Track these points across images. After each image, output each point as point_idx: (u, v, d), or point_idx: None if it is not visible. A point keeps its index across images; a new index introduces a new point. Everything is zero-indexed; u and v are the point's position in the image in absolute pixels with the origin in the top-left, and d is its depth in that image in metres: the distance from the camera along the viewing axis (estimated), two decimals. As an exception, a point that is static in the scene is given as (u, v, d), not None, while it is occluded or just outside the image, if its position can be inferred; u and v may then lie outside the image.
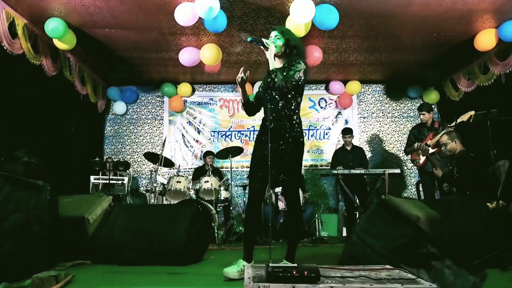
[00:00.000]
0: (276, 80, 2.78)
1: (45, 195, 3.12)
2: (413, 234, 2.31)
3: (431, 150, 5.12)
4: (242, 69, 2.99)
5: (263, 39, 2.88)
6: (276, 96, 2.87)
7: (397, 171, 5.49)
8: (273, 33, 2.96)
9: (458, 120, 4.31)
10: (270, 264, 1.56)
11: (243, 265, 2.72)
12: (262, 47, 2.89)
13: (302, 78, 2.84)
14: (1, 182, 2.57)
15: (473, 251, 2.71)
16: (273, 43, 2.87)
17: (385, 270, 1.78)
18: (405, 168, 7.22)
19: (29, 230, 2.82)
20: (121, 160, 6.29)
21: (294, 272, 1.52)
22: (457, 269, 2.09)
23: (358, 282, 1.54)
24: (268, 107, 2.88)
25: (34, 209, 2.93)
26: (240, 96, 3.11)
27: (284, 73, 2.77)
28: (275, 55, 2.91)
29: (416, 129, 5.67)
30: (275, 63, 2.89)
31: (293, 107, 2.88)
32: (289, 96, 2.85)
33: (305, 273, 1.52)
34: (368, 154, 7.02)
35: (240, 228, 5.82)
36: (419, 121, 5.81)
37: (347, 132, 6.34)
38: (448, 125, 4.95)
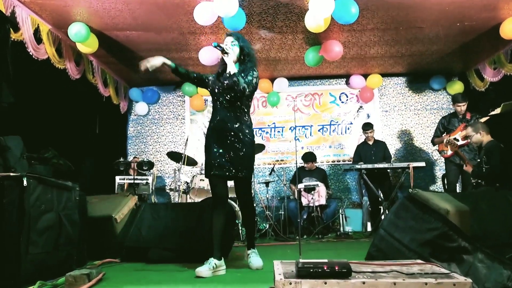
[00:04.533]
0: (239, 83, 2.91)
1: (75, 196, 3.20)
2: (442, 227, 2.27)
3: (460, 143, 5.02)
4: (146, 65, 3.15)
5: (222, 45, 3.00)
6: (232, 98, 3.03)
7: (422, 164, 5.43)
8: (229, 39, 3.10)
9: (491, 113, 4.19)
10: (301, 260, 1.56)
11: (215, 263, 2.92)
12: (221, 52, 3.01)
13: (257, 84, 3.10)
14: (34, 183, 2.64)
15: (506, 243, 2.65)
16: (232, 49, 3.04)
17: (417, 264, 1.76)
18: (431, 161, 7.08)
19: (60, 229, 2.90)
20: (145, 160, 6.38)
21: (325, 268, 1.52)
22: (490, 263, 2.05)
23: (390, 277, 1.53)
24: (222, 108, 3.06)
25: (65, 209, 3.01)
26: (167, 62, 3.14)
27: (246, 81, 2.96)
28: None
29: (446, 119, 5.54)
30: (230, 68, 3.02)
31: (246, 109, 3.10)
32: (244, 99, 3.05)
33: (336, 268, 1.51)
34: (391, 148, 6.93)
35: (264, 225, 5.83)
36: (449, 112, 5.67)
37: (367, 127, 6.29)
38: (479, 117, 4.83)
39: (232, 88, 2.99)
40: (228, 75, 3.04)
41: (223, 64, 3.13)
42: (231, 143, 2.99)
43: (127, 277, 2.89)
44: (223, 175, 3.03)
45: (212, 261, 2.92)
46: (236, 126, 3.01)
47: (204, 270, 2.82)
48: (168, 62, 3.12)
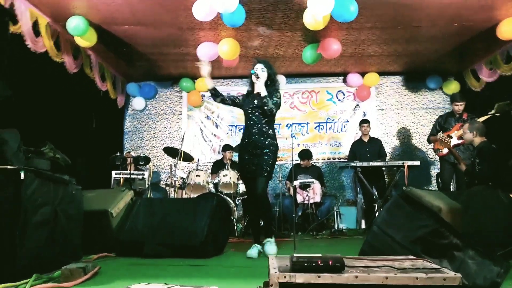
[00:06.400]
0: (269, 105, 3.52)
1: (71, 189, 3.21)
2: (434, 224, 2.30)
3: (454, 142, 5.06)
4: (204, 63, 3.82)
5: (257, 71, 3.64)
6: (260, 116, 3.65)
7: (416, 163, 5.46)
8: (259, 65, 3.69)
9: (488, 114, 4.22)
10: (295, 255, 1.59)
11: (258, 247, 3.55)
12: (255, 77, 3.62)
13: (280, 104, 3.72)
14: (31, 177, 2.65)
15: (497, 241, 2.69)
16: (262, 74, 3.65)
17: (409, 260, 1.79)
18: (426, 160, 7.12)
19: (56, 223, 2.91)
20: (141, 155, 6.38)
21: (319, 262, 1.55)
22: (481, 260, 2.08)
23: (383, 272, 1.56)
24: (252, 123, 3.67)
25: (61, 203, 3.02)
26: (208, 84, 3.83)
27: (273, 102, 3.57)
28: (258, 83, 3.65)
29: (443, 118, 5.57)
30: (259, 89, 3.63)
31: (271, 124, 3.71)
32: (271, 116, 3.67)
33: (330, 262, 1.54)
34: (387, 147, 6.96)
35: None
36: (445, 111, 5.70)
37: (364, 121, 6.36)
38: (475, 117, 4.88)
39: (261, 107, 3.59)
40: (257, 95, 3.66)
41: (251, 85, 3.76)
42: (258, 152, 3.60)
43: (122, 271, 2.91)
44: (251, 177, 3.64)
45: (257, 246, 3.54)
46: (262, 138, 3.62)
47: (254, 252, 3.46)
48: (210, 82, 3.81)
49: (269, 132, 3.66)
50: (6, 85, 3.96)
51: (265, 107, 3.54)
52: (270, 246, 3.52)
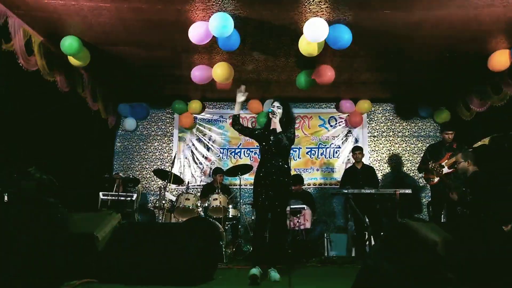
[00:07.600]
0: (283, 141, 3.76)
1: (56, 213, 3.11)
2: (429, 259, 2.26)
3: (445, 171, 5.06)
4: (243, 88, 4.01)
5: (274, 109, 3.88)
6: (277, 151, 3.83)
7: (408, 191, 5.43)
8: (276, 103, 3.93)
9: (479, 143, 4.27)
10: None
11: (260, 270, 3.60)
12: (271, 114, 3.87)
13: (294, 139, 3.95)
14: (14, 199, 2.56)
15: (492, 274, 2.64)
16: (278, 111, 3.88)
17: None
18: (417, 188, 7.12)
19: (40, 247, 2.80)
20: (131, 176, 6.28)
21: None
22: (477, 297, 2.03)
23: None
24: (270, 158, 3.85)
25: (45, 227, 2.91)
26: (236, 109, 4.04)
27: (287, 137, 3.80)
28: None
29: (433, 147, 5.60)
30: (275, 126, 3.85)
31: (286, 158, 3.91)
32: (286, 151, 3.91)
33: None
34: (379, 174, 6.95)
35: (248, 246, 5.74)
36: (438, 140, 5.72)
37: (357, 148, 6.38)
38: (466, 147, 4.90)
39: (276, 144, 3.81)
40: (273, 132, 3.87)
41: (268, 122, 4.00)
42: (274, 185, 3.75)
43: (106, 299, 2.79)
44: (266, 208, 3.79)
45: (258, 268, 3.57)
46: (278, 172, 3.78)
47: (256, 270, 3.50)
48: (238, 109, 4.03)
49: (285, 167, 3.85)
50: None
51: (280, 144, 3.76)
52: (275, 273, 3.74)
